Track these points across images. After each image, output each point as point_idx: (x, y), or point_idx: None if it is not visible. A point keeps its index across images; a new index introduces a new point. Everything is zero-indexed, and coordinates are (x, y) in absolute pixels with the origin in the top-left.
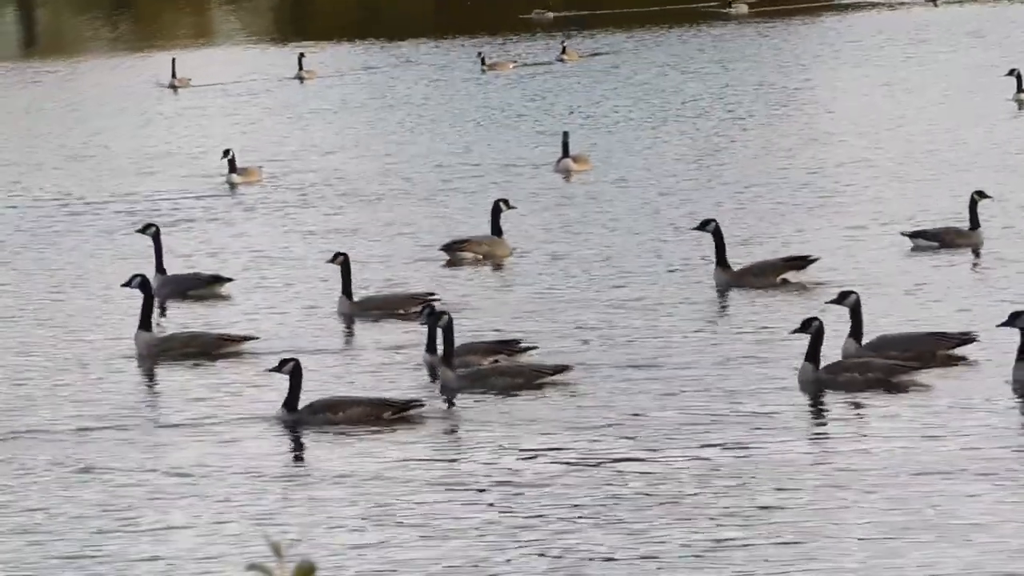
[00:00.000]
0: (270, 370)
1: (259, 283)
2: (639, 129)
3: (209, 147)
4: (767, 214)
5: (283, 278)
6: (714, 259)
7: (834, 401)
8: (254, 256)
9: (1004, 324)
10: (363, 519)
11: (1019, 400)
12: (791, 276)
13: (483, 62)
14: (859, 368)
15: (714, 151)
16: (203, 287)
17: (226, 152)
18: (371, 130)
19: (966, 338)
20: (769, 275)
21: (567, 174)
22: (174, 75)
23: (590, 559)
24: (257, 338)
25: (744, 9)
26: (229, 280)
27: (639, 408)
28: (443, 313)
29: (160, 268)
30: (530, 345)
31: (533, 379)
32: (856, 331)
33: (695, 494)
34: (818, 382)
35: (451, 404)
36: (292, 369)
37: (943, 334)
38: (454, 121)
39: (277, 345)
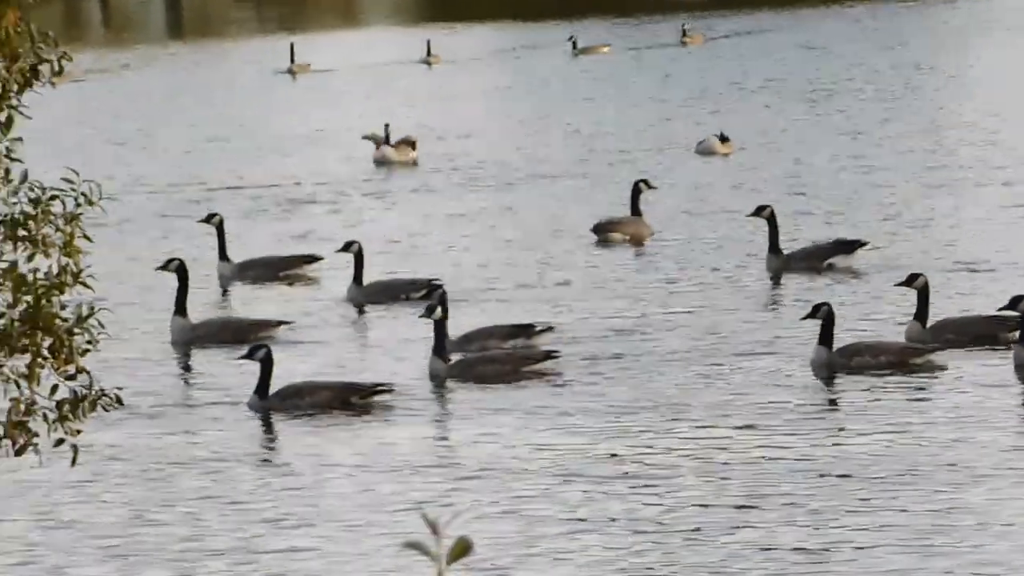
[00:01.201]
0: (240, 358)
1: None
2: (778, 112)
3: (339, 129)
4: (912, 194)
5: (395, 260)
6: (767, 244)
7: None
8: (379, 238)
9: (1004, 308)
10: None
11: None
12: (839, 261)
13: (574, 46)
14: (870, 351)
15: (855, 132)
16: (292, 267)
17: (385, 126)
18: (506, 113)
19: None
20: (816, 260)
21: (710, 155)
22: (292, 60)
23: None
24: (291, 323)
25: None
26: (319, 259)
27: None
28: (435, 305)
29: (224, 256)
30: (545, 327)
31: (520, 366)
32: (922, 314)
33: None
34: (831, 365)
35: (438, 393)
36: (263, 356)
37: (1002, 318)
38: (590, 103)
39: (311, 332)
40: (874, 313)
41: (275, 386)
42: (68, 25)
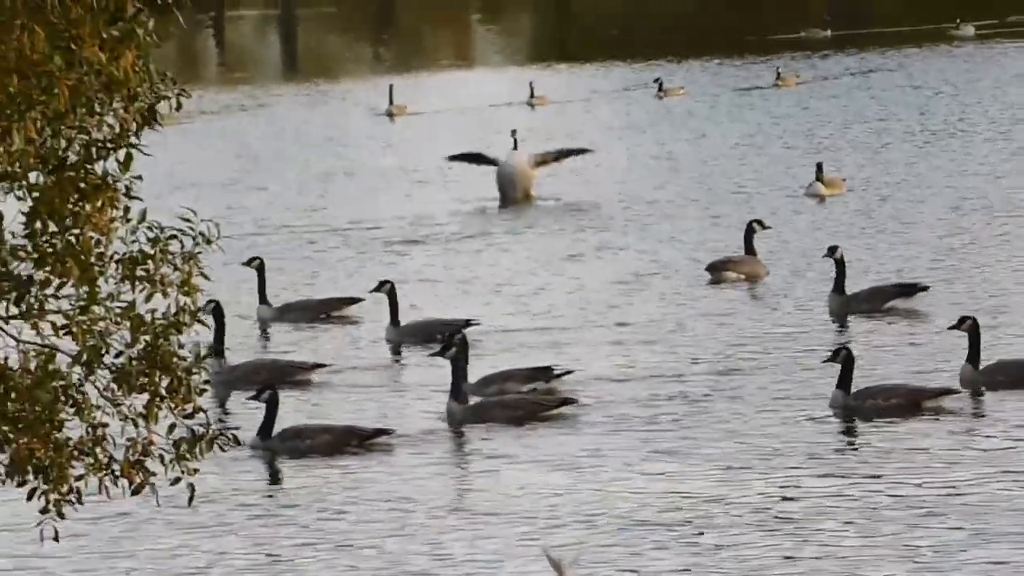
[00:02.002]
0: (250, 399)
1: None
2: (884, 153)
3: (444, 170)
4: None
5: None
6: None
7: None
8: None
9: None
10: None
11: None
12: (900, 303)
13: (660, 87)
14: (883, 395)
15: (962, 173)
16: (332, 308)
17: (512, 132)
18: (610, 153)
19: None
20: (877, 301)
21: (819, 198)
22: (391, 102)
23: None
24: (328, 365)
25: (970, 31)
26: (360, 300)
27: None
28: (450, 346)
29: (264, 300)
30: (566, 371)
31: (536, 411)
32: (973, 356)
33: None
34: (847, 408)
35: (456, 435)
36: (268, 398)
37: None
38: (691, 143)
39: (347, 375)
40: (932, 355)
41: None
42: (184, 64)
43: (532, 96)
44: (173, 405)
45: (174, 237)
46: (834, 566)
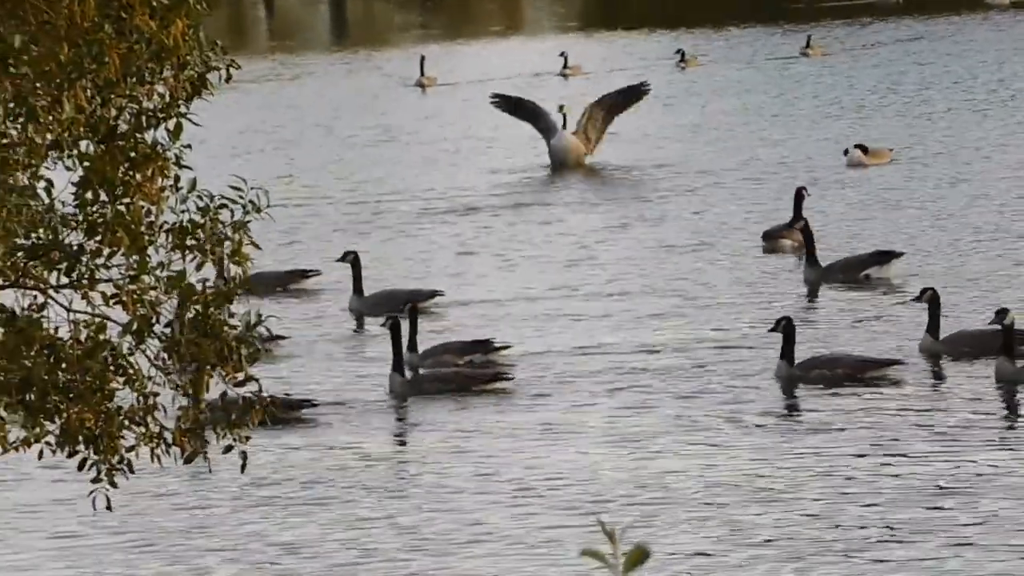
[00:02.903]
0: None
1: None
2: (923, 122)
3: (484, 139)
4: None
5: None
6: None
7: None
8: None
9: (992, 323)
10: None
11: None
12: (875, 271)
13: (682, 57)
14: (828, 365)
15: (1005, 145)
16: (291, 281)
17: (560, 107)
18: (649, 122)
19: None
20: (854, 270)
21: (860, 167)
22: (422, 73)
23: None
24: (286, 337)
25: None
26: (317, 273)
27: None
28: (395, 318)
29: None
30: (503, 344)
31: (467, 385)
32: (933, 327)
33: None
34: (790, 378)
35: (394, 407)
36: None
37: (1019, 331)
38: (758, 111)
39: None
40: (902, 324)
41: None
42: (233, 32)
43: (565, 66)
44: (224, 374)
45: (224, 206)
46: (774, 534)
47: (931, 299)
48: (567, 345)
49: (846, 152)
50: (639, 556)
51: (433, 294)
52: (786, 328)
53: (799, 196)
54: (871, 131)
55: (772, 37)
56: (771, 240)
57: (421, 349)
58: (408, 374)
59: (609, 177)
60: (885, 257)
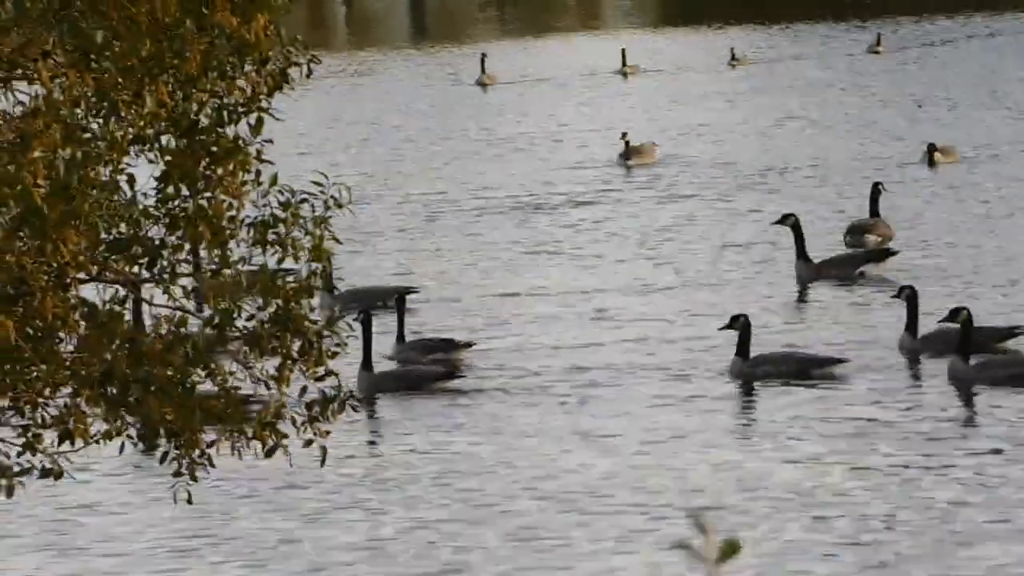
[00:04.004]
0: None
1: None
2: (992, 121)
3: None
4: None
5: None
6: (795, 253)
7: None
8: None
9: (944, 320)
10: None
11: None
12: (870, 269)
13: (733, 56)
14: (775, 362)
15: None
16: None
17: (623, 135)
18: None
19: (1014, 332)
20: (849, 267)
21: (932, 166)
22: (483, 71)
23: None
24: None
25: None
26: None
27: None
28: (366, 311)
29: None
30: (468, 342)
31: (420, 384)
32: (912, 325)
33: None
34: (742, 375)
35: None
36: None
37: (994, 328)
38: (833, 108)
39: None
40: (885, 322)
41: None
42: (312, 27)
43: (624, 65)
44: (304, 368)
45: (305, 201)
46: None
47: (909, 297)
48: (617, 341)
49: (932, 149)
50: (732, 548)
51: (407, 291)
52: (743, 325)
53: (875, 191)
54: (945, 129)
55: (841, 34)
56: (855, 235)
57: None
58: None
59: (678, 174)
60: (880, 255)
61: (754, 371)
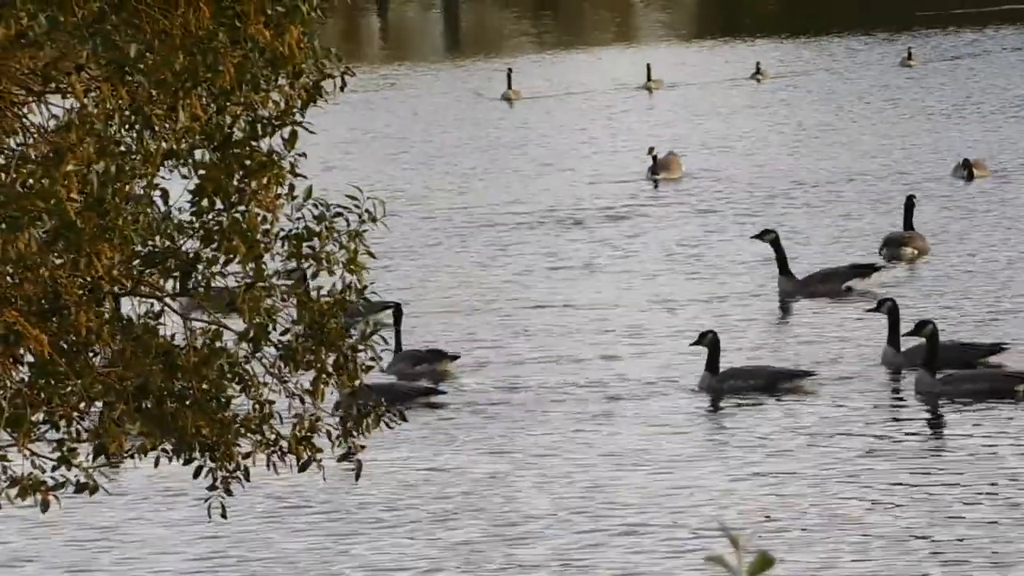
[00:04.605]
0: None
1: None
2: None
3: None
4: None
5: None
6: (776, 268)
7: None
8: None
9: (910, 333)
10: None
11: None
12: (855, 284)
13: (758, 70)
14: (743, 376)
15: None
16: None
17: (650, 149)
18: (733, 136)
19: (996, 348)
20: (834, 283)
21: (966, 180)
22: (509, 86)
23: None
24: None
25: None
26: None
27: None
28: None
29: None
30: (454, 355)
31: (400, 399)
32: (894, 338)
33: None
34: (711, 389)
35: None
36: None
37: (973, 344)
38: (864, 121)
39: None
40: (868, 336)
41: None
42: (347, 40)
43: (649, 79)
44: (340, 382)
45: (339, 215)
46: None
47: (890, 310)
48: (638, 355)
49: (965, 164)
50: (763, 563)
51: (390, 305)
52: (712, 341)
53: (909, 204)
54: (977, 143)
55: (871, 47)
56: (894, 247)
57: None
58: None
59: (706, 188)
60: (865, 270)
61: (722, 385)
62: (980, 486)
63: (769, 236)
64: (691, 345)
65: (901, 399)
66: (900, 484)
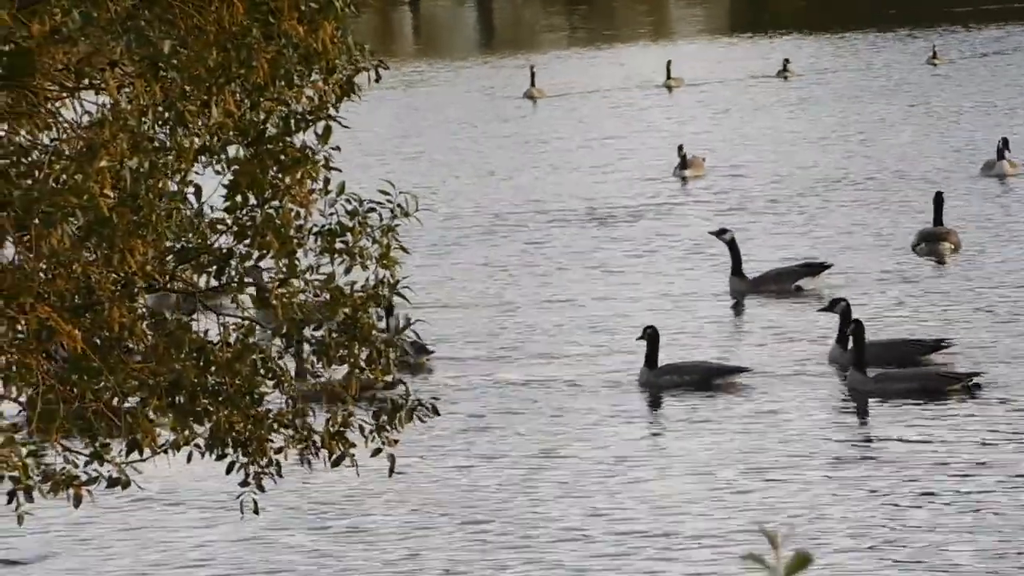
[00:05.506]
0: None
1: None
2: None
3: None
4: None
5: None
6: (730, 267)
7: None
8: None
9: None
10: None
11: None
12: (805, 283)
13: (784, 67)
14: (677, 371)
15: None
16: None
17: (680, 148)
18: (746, 135)
19: (940, 344)
20: (785, 282)
21: (1001, 178)
22: (532, 84)
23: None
24: None
25: None
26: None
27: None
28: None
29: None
30: (429, 349)
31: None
32: (842, 337)
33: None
34: (649, 384)
35: None
36: None
37: (919, 341)
38: (890, 118)
39: None
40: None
41: None
42: (380, 36)
43: (668, 77)
44: (372, 377)
45: (373, 210)
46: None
47: (843, 310)
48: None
49: (1000, 155)
50: (801, 562)
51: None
52: (651, 336)
53: (939, 200)
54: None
55: (897, 43)
56: (931, 242)
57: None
58: None
59: (732, 185)
60: (815, 269)
61: (659, 380)
62: (904, 484)
63: (726, 236)
64: (637, 340)
65: (831, 397)
66: (818, 481)
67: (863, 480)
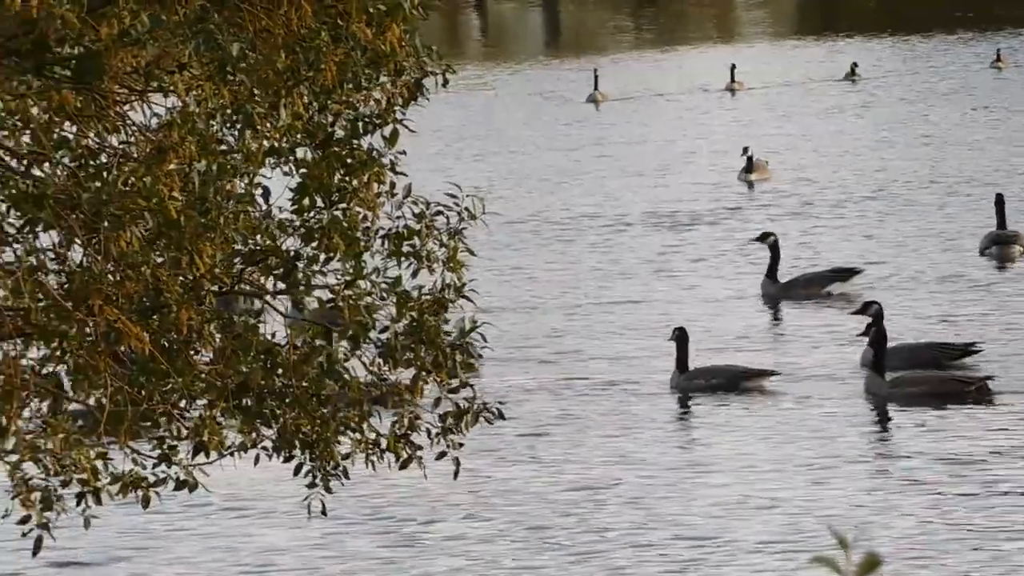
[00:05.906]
0: None
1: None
2: None
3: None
4: None
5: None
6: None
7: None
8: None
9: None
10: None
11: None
12: (836, 288)
13: (853, 71)
14: (705, 375)
15: None
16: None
17: (745, 150)
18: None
19: (970, 349)
20: (815, 287)
21: None
22: (596, 88)
23: None
24: None
25: None
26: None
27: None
28: None
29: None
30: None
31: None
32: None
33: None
34: (678, 387)
35: None
36: None
37: (947, 345)
38: (954, 121)
39: None
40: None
41: None
42: (447, 38)
43: (732, 80)
44: (439, 380)
45: (440, 213)
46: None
47: (876, 313)
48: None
49: None
50: (872, 563)
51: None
52: (679, 338)
53: (1000, 201)
54: None
55: (960, 47)
56: (1002, 244)
57: None
58: None
59: (796, 190)
60: (845, 274)
61: (689, 384)
62: (915, 488)
63: (769, 240)
64: (667, 340)
65: (850, 401)
66: (829, 480)
67: (902, 483)
